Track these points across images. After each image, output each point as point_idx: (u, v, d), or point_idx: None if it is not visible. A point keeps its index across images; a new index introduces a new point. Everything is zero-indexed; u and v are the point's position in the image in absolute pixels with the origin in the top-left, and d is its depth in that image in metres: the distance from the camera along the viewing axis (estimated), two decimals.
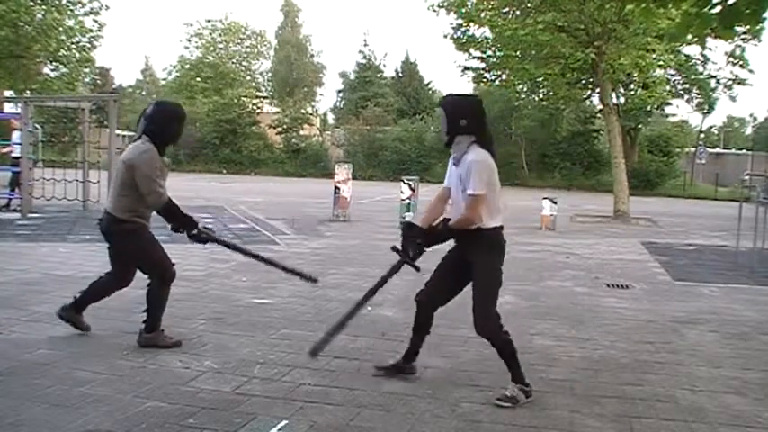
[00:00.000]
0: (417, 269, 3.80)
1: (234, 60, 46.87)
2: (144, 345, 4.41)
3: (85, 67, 23.78)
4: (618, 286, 7.40)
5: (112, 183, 4.44)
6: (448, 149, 3.84)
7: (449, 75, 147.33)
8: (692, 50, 26.73)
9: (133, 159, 4.22)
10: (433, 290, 3.94)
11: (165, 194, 4.25)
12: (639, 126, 32.37)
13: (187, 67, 45.49)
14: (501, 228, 3.78)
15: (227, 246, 4.65)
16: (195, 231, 4.35)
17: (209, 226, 4.54)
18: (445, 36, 18.42)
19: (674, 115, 38.08)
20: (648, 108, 27.60)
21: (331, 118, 51.53)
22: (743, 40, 24.91)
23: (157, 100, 5.27)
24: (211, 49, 46.01)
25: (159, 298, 4.46)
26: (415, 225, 3.89)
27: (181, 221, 4.34)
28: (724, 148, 52.03)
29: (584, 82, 20.77)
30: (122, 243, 4.39)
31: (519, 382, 3.71)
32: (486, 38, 18.24)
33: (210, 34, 46.20)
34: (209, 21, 46.05)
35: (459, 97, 4.00)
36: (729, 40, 23.97)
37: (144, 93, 52.07)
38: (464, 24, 18.03)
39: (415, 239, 3.77)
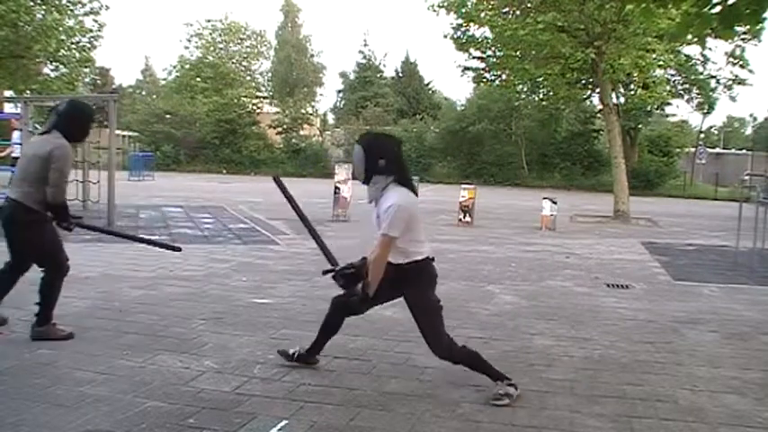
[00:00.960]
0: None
1: (234, 60, 46.80)
2: (36, 338, 4.41)
3: (85, 67, 23.69)
4: (618, 286, 7.40)
5: (21, 173, 4.49)
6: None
7: (449, 75, 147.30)
8: (692, 50, 26.73)
9: (54, 151, 4.31)
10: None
11: (65, 193, 4.39)
12: (639, 126, 32.34)
13: (187, 67, 45.42)
14: (426, 259, 3.76)
15: (92, 228, 4.93)
16: (71, 223, 4.58)
17: (79, 215, 4.93)
18: (445, 36, 18.40)
19: (674, 115, 38.05)
20: (648, 108, 27.60)
21: (331, 118, 51.43)
22: (743, 40, 24.93)
23: (71, 98, 5.37)
24: (211, 49, 45.94)
25: (53, 291, 4.50)
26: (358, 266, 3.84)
27: (65, 219, 4.49)
28: (724, 148, 51.93)
29: (584, 82, 20.75)
30: (27, 233, 4.42)
31: (500, 379, 3.73)
32: (486, 38, 18.21)
33: (210, 34, 46.15)
34: (209, 21, 46.02)
35: (378, 137, 4.12)
36: (729, 40, 23.97)
37: (144, 93, 51.98)
38: (464, 24, 17.99)
39: (349, 272, 3.80)
